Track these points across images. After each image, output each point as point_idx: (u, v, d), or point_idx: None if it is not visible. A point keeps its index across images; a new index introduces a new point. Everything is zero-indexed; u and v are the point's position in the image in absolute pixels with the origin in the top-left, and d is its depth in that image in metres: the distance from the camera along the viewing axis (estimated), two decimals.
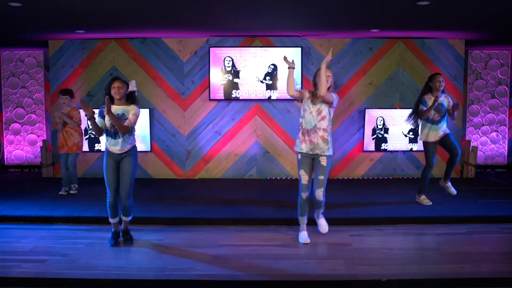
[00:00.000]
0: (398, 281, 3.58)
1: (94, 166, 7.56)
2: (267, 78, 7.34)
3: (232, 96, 7.37)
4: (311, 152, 4.34)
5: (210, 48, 7.31)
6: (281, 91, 7.35)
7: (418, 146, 7.40)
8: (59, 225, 5.06)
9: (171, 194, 6.30)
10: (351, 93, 7.51)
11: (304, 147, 4.36)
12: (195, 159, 7.61)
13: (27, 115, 8.34)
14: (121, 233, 4.48)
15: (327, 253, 4.23)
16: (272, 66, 7.32)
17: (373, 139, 7.42)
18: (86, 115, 4.13)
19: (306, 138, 4.33)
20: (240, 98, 7.36)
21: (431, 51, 7.51)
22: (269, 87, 7.36)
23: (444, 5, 4.87)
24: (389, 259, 4.02)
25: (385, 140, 7.43)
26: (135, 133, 4.35)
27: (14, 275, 3.65)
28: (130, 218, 4.45)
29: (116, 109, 4.22)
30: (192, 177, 7.63)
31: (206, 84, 7.43)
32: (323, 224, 4.65)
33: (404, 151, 7.55)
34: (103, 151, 4.44)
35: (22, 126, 8.38)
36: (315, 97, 4.35)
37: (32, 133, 8.39)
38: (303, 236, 4.46)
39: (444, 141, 5.52)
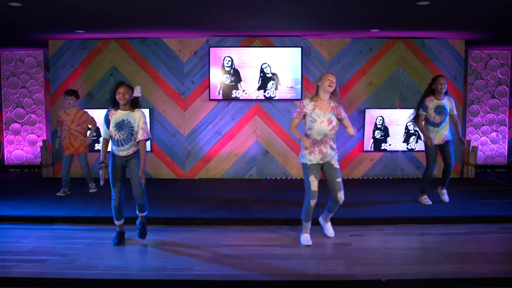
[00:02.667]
0: (398, 281, 3.59)
1: (94, 166, 7.54)
2: (267, 81, 7.34)
3: (232, 96, 7.37)
4: (321, 162, 4.30)
5: (210, 48, 7.31)
6: (281, 91, 7.35)
7: (418, 146, 7.41)
8: (59, 225, 5.06)
9: (171, 194, 6.30)
10: (351, 93, 7.51)
11: (313, 158, 4.27)
12: (195, 159, 7.61)
13: (27, 115, 8.34)
14: (125, 233, 4.52)
15: (327, 253, 4.23)
16: (266, 66, 7.32)
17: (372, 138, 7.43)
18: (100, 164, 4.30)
19: (316, 148, 4.26)
20: (240, 98, 7.36)
21: (431, 51, 7.51)
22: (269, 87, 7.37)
23: (444, 5, 4.87)
24: (389, 259, 4.02)
25: (384, 140, 7.42)
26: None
27: (14, 275, 3.65)
28: (145, 213, 4.49)
29: (121, 114, 4.23)
30: (192, 177, 7.63)
31: (206, 84, 7.43)
32: (330, 229, 4.65)
33: (404, 151, 7.55)
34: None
35: (22, 126, 8.38)
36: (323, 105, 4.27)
37: (32, 133, 8.39)
38: (306, 238, 4.43)
39: (443, 148, 5.55)
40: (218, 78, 7.34)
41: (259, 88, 7.34)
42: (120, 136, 4.22)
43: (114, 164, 4.30)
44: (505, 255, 4.19)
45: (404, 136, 7.42)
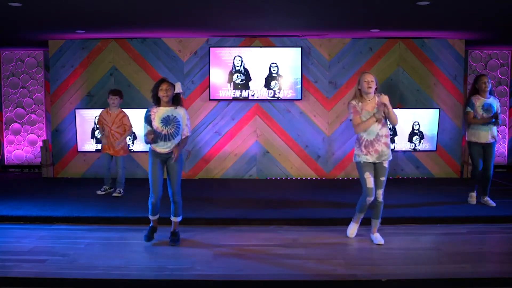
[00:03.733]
0: (398, 281, 3.59)
1: (94, 166, 7.56)
2: (271, 81, 7.34)
3: (242, 95, 7.37)
4: (377, 161, 4.33)
5: (210, 48, 7.31)
6: (282, 91, 7.36)
7: (422, 147, 7.40)
8: (59, 225, 5.06)
9: None
10: (351, 93, 7.50)
11: (370, 158, 4.31)
12: (195, 159, 7.61)
13: (27, 115, 8.34)
14: (156, 231, 4.56)
15: (327, 253, 4.23)
16: (275, 66, 7.32)
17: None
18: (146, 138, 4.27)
19: (371, 149, 4.29)
20: (249, 98, 7.37)
21: (431, 51, 7.51)
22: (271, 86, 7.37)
23: (444, 5, 4.87)
24: (389, 259, 4.02)
25: (393, 140, 7.38)
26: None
27: (14, 275, 3.65)
28: (180, 218, 4.51)
29: (164, 110, 4.28)
30: (192, 177, 7.63)
31: (206, 84, 7.43)
32: (378, 236, 4.48)
33: (404, 151, 7.55)
34: (147, 152, 4.50)
35: (22, 126, 8.38)
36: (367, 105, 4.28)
37: (32, 133, 8.39)
38: (354, 228, 4.56)
39: (486, 148, 5.54)
40: (226, 77, 7.32)
41: (265, 86, 7.35)
42: (168, 131, 4.27)
43: (154, 162, 4.34)
44: (505, 255, 4.19)
45: (408, 136, 7.40)
